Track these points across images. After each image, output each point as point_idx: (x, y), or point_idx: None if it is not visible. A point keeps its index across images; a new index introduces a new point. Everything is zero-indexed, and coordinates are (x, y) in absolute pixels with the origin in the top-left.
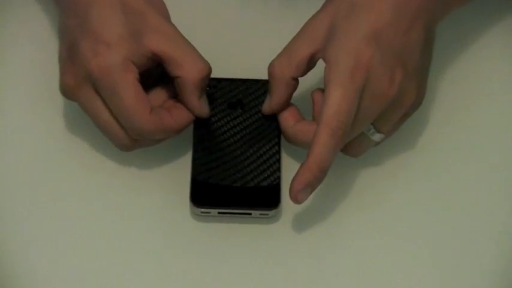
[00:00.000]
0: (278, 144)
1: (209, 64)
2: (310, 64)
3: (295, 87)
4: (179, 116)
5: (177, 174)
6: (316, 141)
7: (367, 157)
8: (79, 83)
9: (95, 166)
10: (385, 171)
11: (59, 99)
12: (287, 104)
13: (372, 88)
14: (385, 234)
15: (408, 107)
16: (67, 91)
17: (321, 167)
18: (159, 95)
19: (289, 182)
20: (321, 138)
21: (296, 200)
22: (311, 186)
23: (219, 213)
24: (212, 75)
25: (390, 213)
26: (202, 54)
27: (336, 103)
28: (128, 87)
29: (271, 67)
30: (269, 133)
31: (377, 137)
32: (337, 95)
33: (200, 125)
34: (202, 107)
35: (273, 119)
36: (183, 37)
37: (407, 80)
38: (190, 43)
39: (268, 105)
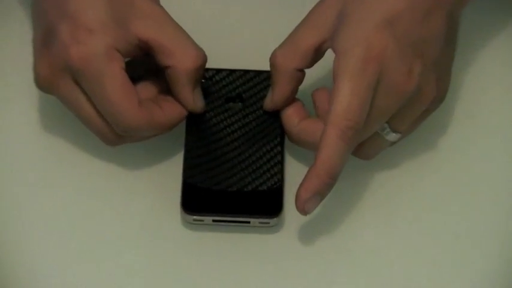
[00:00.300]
0: (281, 144)
1: (204, 52)
2: (317, 54)
3: (300, 80)
4: (171, 110)
5: (167, 176)
6: (324, 144)
7: (379, 158)
8: (56, 73)
9: (77, 165)
10: (400, 173)
11: (37, 93)
12: (291, 99)
13: (386, 82)
14: (402, 245)
15: (428, 104)
16: (43, 83)
17: (330, 173)
18: (148, 88)
19: (293, 186)
20: (329, 140)
21: (303, 210)
22: (320, 194)
23: (213, 221)
24: (208, 66)
25: (407, 221)
26: (197, 42)
27: (346, 100)
28: (113, 77)
29: (273, 57)
30: (271, 132)
31: (392, 136)
32: (347, 90)
33: (194, 121)
34: (196, 101)
35: (276, 115)
36: (175, 22)
37: (427, 73)
38: (182, 29)
39: (270, 100)
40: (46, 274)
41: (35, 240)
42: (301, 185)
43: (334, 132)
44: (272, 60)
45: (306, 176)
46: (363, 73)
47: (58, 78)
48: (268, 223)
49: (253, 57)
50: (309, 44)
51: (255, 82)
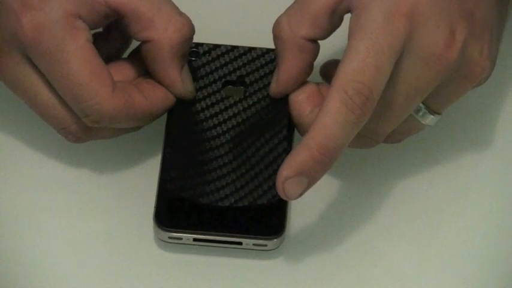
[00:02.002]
0: (288, 144)
1: (190, 20)
2: (332, 19)
3: (313, 54)
4: (154, 94)
5: (141, 182)
6: (323, 110)
7: (403, 162)
8: (1, 49)
9: (29, 166)
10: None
11: None
12: (302, 80)
13: (419, 47)
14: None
15: (477, 81)
16: None
17: (323, 146)
18: (123, 70)
19: (301, 199)
20: (329, 105)
21: (283, 191)
22: (307, 175)
23: (194, 240)
24: (203, 41)
25: (430, 254)
26: (189, 15)
27: (358, 58)
28: (77, 51)
29: (277, 25)
30: (278, 127)
31: (429, 119)
32: (362, 47)
33: (176, 112)
34: (185, 83)
35: (285, 105)
36: None
37: (476, 40)
38: None
39: (275, 80)
40: None
41: None
42: (286, 158)
43: (338, 96)
44: (276, 29)
45: (293, 149)
46: (385, 29)
47: (4, 56)
48: (266, 246)
49: (259, 31)
50: (320, 5)
51: (265, 63)
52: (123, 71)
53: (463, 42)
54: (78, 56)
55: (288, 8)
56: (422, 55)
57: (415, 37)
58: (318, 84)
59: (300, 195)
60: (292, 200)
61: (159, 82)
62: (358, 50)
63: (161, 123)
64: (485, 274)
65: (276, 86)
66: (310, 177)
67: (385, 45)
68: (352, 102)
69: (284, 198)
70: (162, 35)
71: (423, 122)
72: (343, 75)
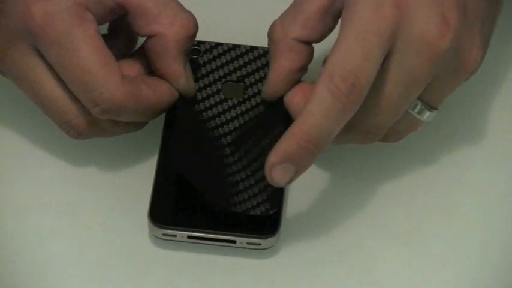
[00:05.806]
0: None
1: (195, 18)
2: (325, 21)
3: (304, 56)
4: (160, 88)
5: (137, 180)
6: (310, 98)
7: (385, 170)
8: (9, 40)
9: (28, 166)
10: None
11: None
12: (294, 80)
13: (412, 36)
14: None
15: (471, 72)
16: None
17: (308, 134)
18: (128, 66)
19: (297, 198)
20: (316, 92)
21: (271, 178)
22: (294, 162)
23: (188, 237)
24: (204, 39)
25: (421, 252)
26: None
27: (346, 46)
28: (86, 40)
29: (270, 27)
30: (274, 128)
31: (427, 115)
32: (350, 36)
33: (175, 110)
34: (188, 79)
35: (281, 108)
36: None
37: (467, 29)
38: None
39: (266, 82)
40: None
41: None
42: (274, 145)
43: (323, 84)
44: (269, 31)
45: (282, 135)
46: (372, 17)
47: (11, 46)
48: (260, 244)
49: (261, 31)
50: (313, 6)
51: (263, 62)
52: (127, 69)
53: (456, 32)
54: (87, 44)
55: (284, 11)
56: (415, 44)
57: (406, 26)
58: (312, 83)
59: (289, 182)
60: (281, 187)
61: (162, 77)
62: (345, 38)
63: (159, 123)
64: (480, 273)
65: (267, 87)
66: (297, 165)
67: (372, 33)
68: (337, 90)
69: (273, 184)
70: (168, 29)
71: (420, 119)
72: (330, 63)
